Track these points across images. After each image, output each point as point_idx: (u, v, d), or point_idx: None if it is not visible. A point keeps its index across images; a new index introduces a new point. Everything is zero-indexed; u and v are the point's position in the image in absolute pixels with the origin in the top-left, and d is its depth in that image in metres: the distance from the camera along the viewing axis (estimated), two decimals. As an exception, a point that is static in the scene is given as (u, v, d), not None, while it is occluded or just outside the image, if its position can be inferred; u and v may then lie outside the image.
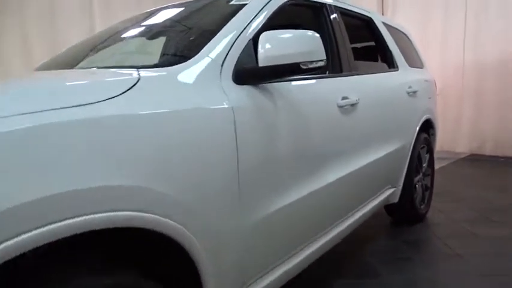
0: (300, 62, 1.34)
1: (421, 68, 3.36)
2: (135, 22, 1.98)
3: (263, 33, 1.33)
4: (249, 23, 1.49)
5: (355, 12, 2.44)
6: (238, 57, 1.37)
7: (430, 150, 3.17)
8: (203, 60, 1.28)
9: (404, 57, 2.94)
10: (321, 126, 1.70)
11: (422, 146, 2.97)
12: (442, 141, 4.90)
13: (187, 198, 1.06)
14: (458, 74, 5.41)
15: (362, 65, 2.29)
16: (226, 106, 1.21)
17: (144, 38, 1.78)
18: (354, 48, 2.36)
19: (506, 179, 4.33)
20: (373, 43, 2.83)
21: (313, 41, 1.38)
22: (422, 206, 3.03)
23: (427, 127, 3.13)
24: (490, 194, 3.70)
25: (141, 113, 0.97)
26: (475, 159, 5.31)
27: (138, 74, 1.09)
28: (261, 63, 1.32)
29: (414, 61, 3.21)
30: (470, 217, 3.12)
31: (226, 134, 1.19)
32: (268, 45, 1.32)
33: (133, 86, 1.03)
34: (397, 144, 2.49)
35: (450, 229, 2.89)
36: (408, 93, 2.66)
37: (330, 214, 1.85)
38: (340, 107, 1.82)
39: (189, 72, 1.21)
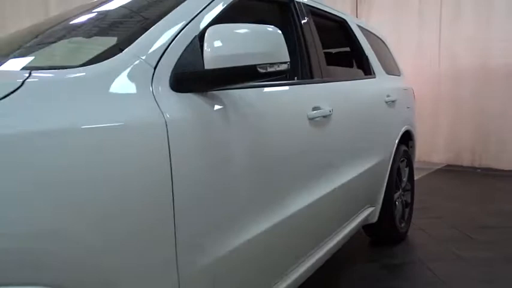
0: (258, 65, 1.05)
1: (399, 75, 3.15)
2: (72, 14, 1.65)
3: (210, 28, 1.04)
4: (196, 16, 1.20)
5: (328, 12, 2.19)
6: (180, 58, 1.07)
7: (410, 164, 2.95)
8: (128, 59, 0.97)
9: (381, 64, 2.72)
10: (287, 142, 1.41)
11: (401, 159, 2.74)
12: (418, 152, 4.72)
13: (95, 259, 0.75)
14: (434, 82, 5.28)
15: (335, 71, 2.03)
16: (156, 121, 0.91)
17: (71, 33, 1.46)
18: (326, 53, 2.10)
19: (485, 191, 4.18)
20: (347, 48, 2.59)
21: (274, 39, 1.10)
22: (402, 225, 2.79)
23: (407, 139, 2.91)
24: (471, 209, 3.51)
25: (6, 132, 0.66)
26: (452, 170, 5.17)
27: (25, 77, 0.78)
28: (207, 66, 1.03)
29: (391, 68, 2.99)
30: (453, 236, 2.90)
31: (155, 159, 0.89)
32: (216, 43, 1.03)
33: (10, 93, 0.72)
34: (375, 160, 2.24)
35: (433, 250, 2.66)
36: (387, 102, 2.42)
37: (300, 245, 1.56)
38: (311, 119, 1.55)
39: (105, 74, 0.90)
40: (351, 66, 2.66)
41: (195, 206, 0.99)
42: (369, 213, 2.33)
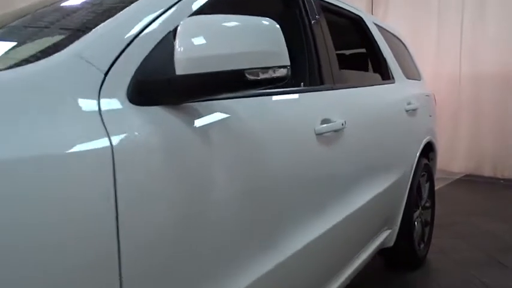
0: (247, 70, 0.79)
1: (419, 80, 2.85)
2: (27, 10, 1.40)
3: (185, 20, 0.78)
4: (172, 5, 0.94)
5: (342, 8, 1.91)
6: (144, 60, 0.81)
7: (431, 178, 2.64)
8: (65, 61, 0.71)
9: (401, 67, 2.42)
10: (290, 166, 1.14)
11: (422, 174, 2.44)
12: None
13: None
14: (454, 86, 4.93)
15: (349, 76, 1.75)
16: (95, 148, 0.65)
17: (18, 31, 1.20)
18: (339, 55, 1.82)
19: (509, 206, 3.84)
20: (363, 49, 2.31)
21: (270, 36, 0.83)
22: (421, 247, 2.49)
23: (428, 150, 2.61)
24: (495, 227, 3.18)
25: None
26: (472, 181, 4.82)
27: None
28: (179, 70, 0.77)
29: (411, 72, 2.69)
30: (476, 259, 2.59)
31: (90, 204, 0.62)
32: (192, 41, 0.76)
33: None
34: (394, 177, 1.95)
35: (455, 277, 2.35)
36: (407, 111, 2.13)
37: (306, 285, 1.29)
38: (319, 134, 1.27)
39: (27, 82, 0.64)
40: (367, 70, 2.37)
41: (148, 254, 0.72)
42: (385, 236, 2.04)
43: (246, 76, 0.79)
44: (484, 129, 4.80)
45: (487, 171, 4.83)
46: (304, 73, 1.45)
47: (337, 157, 1.39)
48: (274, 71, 0.82)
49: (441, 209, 3.48)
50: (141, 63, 0.79)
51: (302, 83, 1.43)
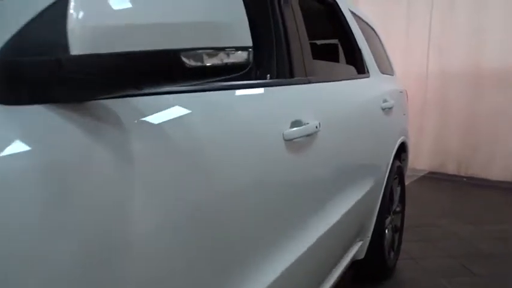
0: (185, 51, 0.50)
1: (392, 75, 2.66)
2: None
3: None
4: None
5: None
6: (20, 33, 0.50)
7: (402, 181, 2.47)
8: None
9: (375, 61, 2.21)
10: (251, 181, 0.87)
11: (394, 177, 2.25)
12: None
13: None
14: (421, 83, 4.84)
15: (323, 68, 1.50)
16: None
17: None
18: (311, 44, 1.56)
19: (478, 206, 3.78)
20: (336, 38, 2.06)
21: (224, 1, 0.55)
22: (391, 255, 2.31)
23: (400, 151, 2.42)
24: (463, 230, 3.08)
25: None
26: (436, 178, 4.77)
27: None
28: (75, 48, 0.47)
29: (385, 65, 2.49)
30: (445, 266, 2.46)
31: None
32: (97, 2, 0.47)
33: None
34: (370, 183, 1.74)
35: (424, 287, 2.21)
36: (383, 109, 1.91)
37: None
38: (289, 140, 1.01)
39: None
40: (340, 61, 2.14)
41: None
42: (357, 249, 1.83)
43: (184, 61, 0.50)
44: (449, 127, 4.75)
45: (451, 169, 4.80)
46: (271, 62, 1.18)
47: (309, 166, 1.13)
48: (228, 55, 0.54)
49: (409, 210, 3.33)
50: (14, 37, 0.49)
51: (268, 75, 1.16)
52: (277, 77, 1.18)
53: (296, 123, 1.05)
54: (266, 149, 0.94)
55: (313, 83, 1.29)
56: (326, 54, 1.94)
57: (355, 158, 1.54)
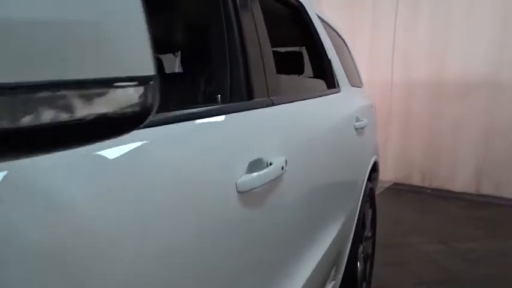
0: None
1: (361, 86, 2.46)
2: None
3: None
4: None
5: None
6: None
7: (373, 203, 2.26)
8: None
9: (345, 72, 1.98)
10: (193, 251, 0.58)
11: (366, 199, 2.03)
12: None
13: None
14: (385, 93, 4.72)
15: (289, 84, 1.24)
16: None
17: None
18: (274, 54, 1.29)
19: (445, 220, 3.66)
20: (299, 47, 1.81)
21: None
22: (363, 286, 2.09)
23: (372, 171, 2.21)
24: (434, 250, 2.93)
25: None
26: (401, 190, 4.66)
27: None
28: None
29: (354, 77, 2.28)
30: (422, 295, 2.27)
31: None
32: None
33: None
34: (343, 218, 1.49)
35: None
36: (356, 129, 1.67)
37: None
38: (244, 192, 0.73)
39: None
40: (305, 73, 1.89)
41: None
42: (328, 291, 1.57)
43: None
44: (414, 138, 4.66)
45: (416, 181, 4.71)
46: (223, 81, 0.89)
47: (272, 219, 0.86)
48: (108, 99, 0.25)
49: (377, 226, 3.16)
50: None
51: (219, 96, 0.88)
52: (232, 100, 0.89)
53: (255, 165, 0.77)
54: (212, 205, 0.65)
55: (277, 104, 1.02)
56: (291, 65, 1.68)
57: (327, 193, 1.28)
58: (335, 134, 1.38)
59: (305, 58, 1.88)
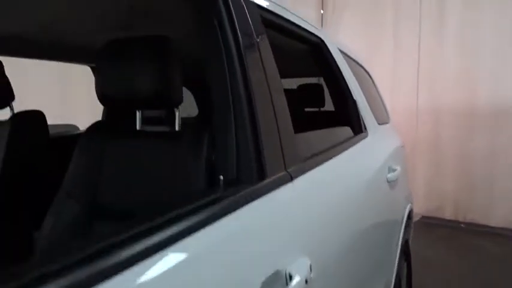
0: None
1: (388, 122, 2.22)
2: None
3: None
4: None
5: (295, 25, 1.18)
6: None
7: (408, 256, 1.98)
8: None
9: (372, 110, 1.75)
10: None
11: (402, 257, 1.76)
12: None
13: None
14: (411, 120, 4.43)
15: (310, 143, 1.01)
16: None
17: None
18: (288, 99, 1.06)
19: (481, 263, 3.30)
20: (319, 86, 1.60)
21: None
22: None
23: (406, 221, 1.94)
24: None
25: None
26: (432, 224, 4.30)
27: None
28: None
29: (381, 113, 2.05)
30: None
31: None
32: None
33: None
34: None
35: None
36: (389, 182, 1.42)
37: None
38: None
39: None
40: (331, 119, 1.66)
41: None
42: None
43: None
44: (444, 168, 4.33)
45: (448, 214, 4.35)
46: (227, 155, 0.68)
47: None
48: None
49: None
50: None
51: (221, 179, 0.66)
52: (236, 182, 0.68)
53: (271, 283, 0.55)
54: None
55: (296, 177, 0.79)
56: (309, 100, 1.45)
57: (362, 271, 1.04)
58: (367, 198, 1.14)
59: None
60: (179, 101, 0.92)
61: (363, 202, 1.09)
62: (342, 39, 4.40)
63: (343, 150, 1.17)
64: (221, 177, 0.67)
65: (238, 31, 0.76)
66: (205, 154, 0.86)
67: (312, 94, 2.18)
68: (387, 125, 2.10)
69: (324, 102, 2.38)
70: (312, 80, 2.40)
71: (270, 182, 0.71)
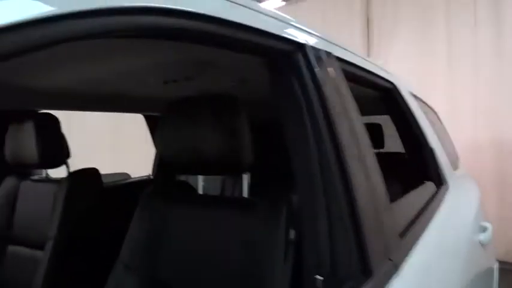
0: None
1: (458, 165, 2.01)
2: None
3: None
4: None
5: (370, 71, 1.06)
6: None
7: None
8: None
9: (447, 155, 1.57)
10: None
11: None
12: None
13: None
14: (471, 154, 4.09)
15: (405, 214, 0.86)
16: None
17: None
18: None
19: None
20: (394, 136, 1.45)
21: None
22: None
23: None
24: None
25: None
26: (504, 269, 3.88)
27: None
28: None
29: (452, 155, 1.85)
30: None
31: None
32: None
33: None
34: None
35: None
36: (482, 244, 1.22)
37: None
38: None
39: None
40: (396, 163, 1.50)
41: None
42: None
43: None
44: (512, 207, 3.94)
45: (521, 258, 3.91)
46: (321, 250, 0.56)
47: None
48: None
49: None
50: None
51: (318, 279, 0.53)
52: (334, 280, 0.54)
53: None
54: None
55: (400, 265, 0.65)
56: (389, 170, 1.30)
57: None
58: (464, 272, 0.96)
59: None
60: (249, 165, 0.81)
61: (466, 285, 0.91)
62: (392, 63, 4.22)
63: (433, 213, 1.00)
64: (318, 276, 0.54)
65: (325, 94, 0.65)
66: (283, 232, 0.73)
67: (370, 134, 2.02)
68: (460, 169, 1.89)
69: (384, 143, 2.21)
70: (370, 119, 2.25)
71: (376, 279, 0.57)
